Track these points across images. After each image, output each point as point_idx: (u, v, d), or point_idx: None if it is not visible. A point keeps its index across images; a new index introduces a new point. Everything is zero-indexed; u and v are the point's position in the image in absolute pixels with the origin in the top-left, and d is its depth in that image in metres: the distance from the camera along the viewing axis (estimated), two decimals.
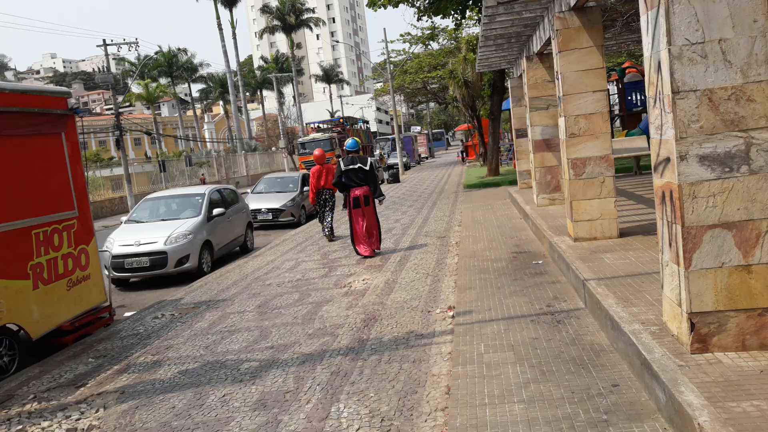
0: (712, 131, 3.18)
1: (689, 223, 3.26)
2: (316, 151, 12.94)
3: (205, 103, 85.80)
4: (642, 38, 3.64)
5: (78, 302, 7.35)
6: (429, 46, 40.74)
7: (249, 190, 19.78)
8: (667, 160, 3.39)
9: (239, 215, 13.16)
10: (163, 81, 72.12)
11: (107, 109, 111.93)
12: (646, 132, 21.58)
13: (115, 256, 10.36)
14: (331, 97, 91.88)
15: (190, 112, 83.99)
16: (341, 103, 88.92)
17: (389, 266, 8.99)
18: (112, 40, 34.09)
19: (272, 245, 13.16)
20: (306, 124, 52.70)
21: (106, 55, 34.02)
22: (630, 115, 25.01)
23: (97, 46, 33.92)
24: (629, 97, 23.84)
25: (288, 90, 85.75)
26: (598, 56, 6.73)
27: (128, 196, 33.25)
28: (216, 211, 11.73)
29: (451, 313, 6.04)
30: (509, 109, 29.83)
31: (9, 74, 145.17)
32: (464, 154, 43.86)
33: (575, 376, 3.92)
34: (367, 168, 9.94)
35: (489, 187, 20.05)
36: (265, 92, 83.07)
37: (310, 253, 11.32)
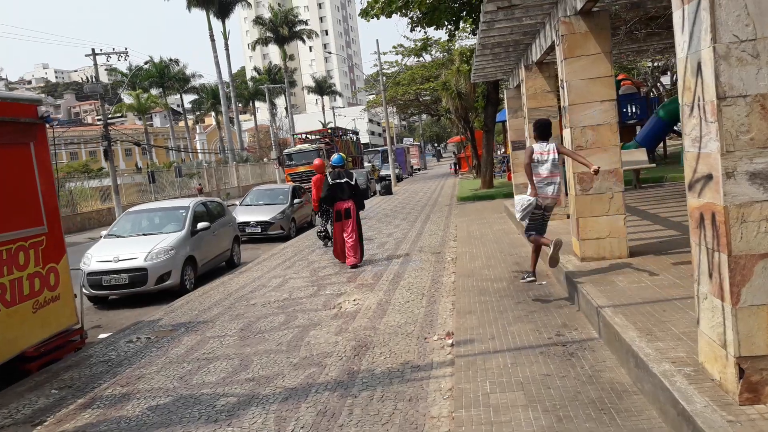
0: (765, 144, 2.72)
1: (737, 251, 2.78)
2: (316, 161, 12.79)
3: (197, 114, 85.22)
4: (675, 37, 3.18)
5: (45, 325, 6.77)
6: (422, 58, 40.54)
7: (237, 202, 19.21)
8: (709, 177, 2.92)
9: (225, 229, 12.62)
10: (154, 92, 71.66)
11: (98, 119, 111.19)
12: (642, 144, 21.33)
13: (92, 273, 9.79)
14: (323, 109, 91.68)
15: (182, 123, 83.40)
16: (333, 114, 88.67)
17: (382, 285, 8.47)
18: (101, 50, 33.57)
19: (260, 260, 12.62)
20: (293, 135, 50.98)
21: (95, 64, 33.49)
22: (624, 128, 24.76)
23: (86, 55, 33.39)
24: (624, 110, 23.57)
25: (281, 101, 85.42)
26: (606, 63, 6.29)
27: (116, 207, 32.55)
28: (200, 225, 11.19)
29: (450, 341, 5.52)
30: (503, 121, 29.58)
31: (0, 84, 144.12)
32: (457, 166, 43.54)
33: (597, 425, 3.41)
34: (353, 183, 10.43)
35: (483, 199, 19.60)
36: (257, 103, 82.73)
37: (299, 269, 10.78)
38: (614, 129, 6.32)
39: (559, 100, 8.17)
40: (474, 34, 21.70)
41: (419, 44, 19.70)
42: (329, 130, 42.89)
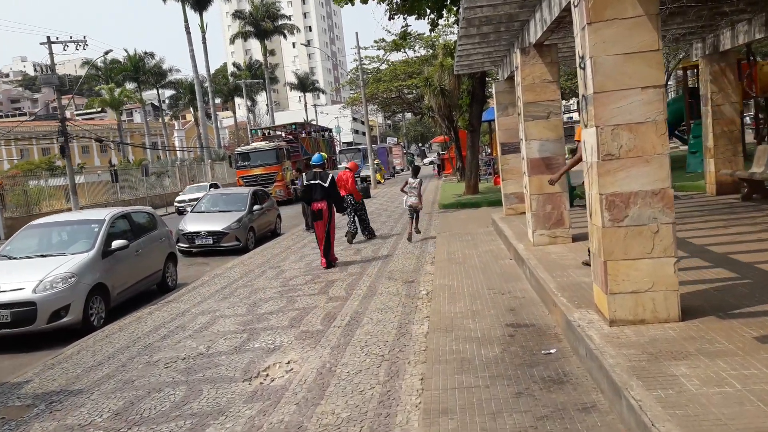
0: None
1: None
2: (350, 164, 13.36)
3: (174, 110, 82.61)
4: None
5: None
6: (403, 51, 38.42)
7: (189, 209, 16.95)
8: None
9: (156, 245, 10.43)
10: (130, 86, 68.96)
11: (77, 114, 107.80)
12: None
13: None
14: (305, 106, 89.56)
15: (167, 119, 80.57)
16: (315, 111, 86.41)
17: (332, 333, 6.33)
18: (57, 38, 31.01)
19: (197, 283, 10.43)
20: (251, 130, 45.86)
21: (51, 53, 30.91)
22: None
23: (41, 43, 30.82)
24: None
25: (262, 98, 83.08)
26: (651, 31, 4.22)
27: (73, 208, 30.07)
28: (117, 243, 8.99)
29: None
30: (490, 120, 27.52)
31: None
32: (440, 167, 41.44)
33: None
34: (326, 185, 10.37)
35: (467, 207, 17.55)
36: (238, 100, 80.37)
37: (238, 300, 8.62)
38: (661, 129, 4.24)
39: (572, 90, 6.08)
40: (457, 23, 19.62)
41: (399, 35, 17.54)
42: (294, 126, 38.34)
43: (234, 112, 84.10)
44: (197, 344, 6.60)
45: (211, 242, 14.59)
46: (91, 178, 50.44)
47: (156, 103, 78.02)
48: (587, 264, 6.12)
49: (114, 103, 65.60)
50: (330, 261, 10.41)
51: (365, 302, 7.56)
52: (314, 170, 10.57)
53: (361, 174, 39.21)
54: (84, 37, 30.80)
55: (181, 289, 10.25)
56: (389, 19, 19.73)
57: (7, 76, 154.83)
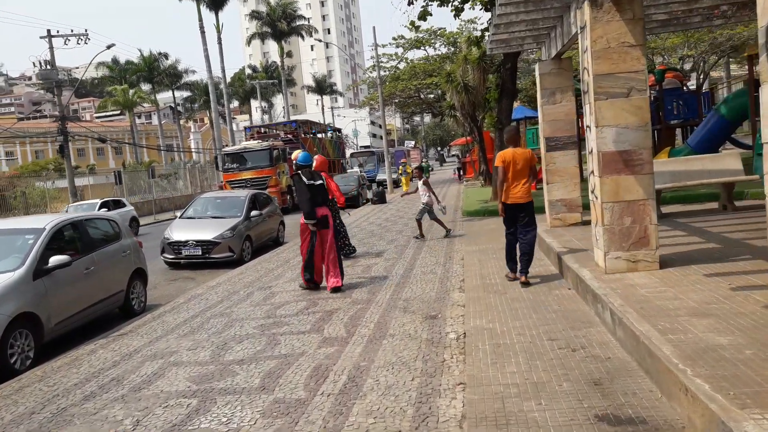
0: None
1: None
2: (317, 157, 10.59)
3: (189, 111, 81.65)
4: None
5: None
6: (423, 48, 36.33)
7: (177, 214, 14.96)
8: None
9: (117, 261, 8.45)
10: (145, 87, 67.92)
11: (97, 117, 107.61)
12: (696, 150, 17.03)
13: None
14: (323, 109, 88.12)
15: (182, 122, 79.47)
16: (333, 114, 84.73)
17: (316, 410, 4.21)
18: (58, 31, 29.44)
19: (167, 308, 8.41)
20: (245, 128, 41.12)
21: (51, 47, 29.33)
22: (667, 129, 20.47)
23: (41, 37, 29.27)
24: (669, 107, 19.31)
25: (279, 100, 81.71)
26: None
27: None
28: (56, 259, 7.02)
29: None
30: (520, 119, 25.28)
31: (0, 80, 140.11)
32: (461, 171, 39.18)
33: None
34: (325, 186, 8.81)
35: (495, 215, 15.25)
36: (255, 102, 79.17)
37: (205, 337, 6.55)
38: None
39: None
40: (488, 10, 17.49)
41: (418, 15, 15.39)
42: (295, 124, 34.07)
43: (250, 115, 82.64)
44: (123, 415, 4.52)
45: (200, 253, 12.60)
46: (100, 179, 49.07)
47: (172, 106, 76.87)
48: None
49: (127, 104, 64.51)
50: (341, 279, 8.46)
51: (371, 350, 5.42)
52: (307, 170, 8.68)
53: (376, 178, 37.03)
54: (86, 30, 29.13)
55: (147, 314, 8.21)
56: (408, 3, 17.68)
57: (30, 78, 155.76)
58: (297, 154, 8.97)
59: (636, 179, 5.63)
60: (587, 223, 9.50)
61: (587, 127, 6.05)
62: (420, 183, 12.90)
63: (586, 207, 9.81)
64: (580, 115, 12.38)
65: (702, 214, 9.73)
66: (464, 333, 5.45)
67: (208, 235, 12.70)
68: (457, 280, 8.04)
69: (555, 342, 4.73)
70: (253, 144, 27.70)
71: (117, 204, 24.41)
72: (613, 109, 5.63)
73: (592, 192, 6.05)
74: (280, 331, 6.44)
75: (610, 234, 5.71)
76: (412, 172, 25.47)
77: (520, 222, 6.95)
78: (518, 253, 7.07)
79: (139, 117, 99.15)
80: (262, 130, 33.89)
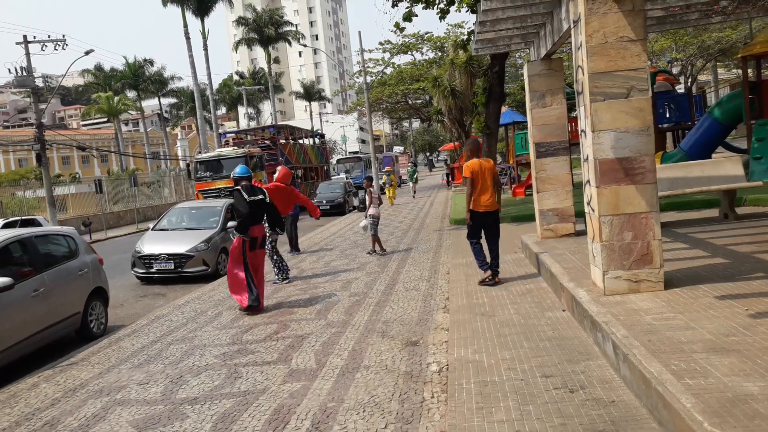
0: None
1: None
2: (280, 168, 10.61)
3: (175, 118, 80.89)
4: None
5: None
6: (410, 53, 35.88)
7: (150, 226, 14.26)
8: None
9: (73, 280, 7.77)
10: (130, 94, 67.04)
11: (84, 125, 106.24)
12: (689, 154, 16.53)
13: None
14: (311, 115, 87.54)
15: (169, 129, 78.41)
16: (321, 121, 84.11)
17: None
18: (35, 37, 28.63)
19: (128, 330, 7.72)
20: (218, 133, 39.11)
21: (27, 53, 28.52)
22: (659, 133, 19.97)
23: (17, 43, 28.46)
24: (660, 110, 18.84)
25: (267, 107, 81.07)
26: None
27: (50, 221, 27.54)
28: None
29: None
30: (506, 125, 24.76)
31: None
32: (449, 177, 38.60)
33: None
34: (268, 201, 8.25)
35: None
36: (242, 109, 78.50)
37: (160, 368, 5.88)
38: None
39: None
40: (473, 12, 16.95)
41: (403, 16, 14.83)
42: (272, 129, 32.28)
43: (237, 122, 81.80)
44: None
45: (173, 267, 11.91)
46: (82, 188, 48.10)
47: (159, 113, 76.01)
48: None
49: (112, 111, 63.59)
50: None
51: (341, 385, 4.77)
52: (246, 183, 8.11)
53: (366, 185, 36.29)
54: (63, 36, 28.32)
55: (104, 339, 7.51)
56: (393, 5, 17.10)
57: (15, 86, 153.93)
58: (236, 168, 8.49)
59: (637, 189, 5.03)
60: (581, 233, 8.91)
61: (581, 131, 5.45)
62: (366, 194, 12.46)
63: (579, 215, 9.23)
64: (570, 119, 11.86)
65: (701, 224, 9.15)
66: (447, 365, 4.82)
67: (181, 248, 12.01)
68: (441, 298, 7.41)
69: (550, 380, 4.10)
70: (227, 151, 26.17)
71: (28, 224, 16.86)
72: (611, 111, 5.03)
73: (588, 204, 5.44)
74: (244, 361, 5.77)
75: (609, 251, 5.10)
76: (386, 179, 24.57)
77: (488, 230, 7.44)
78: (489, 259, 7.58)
79: (126, 124, 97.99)
80: (239, 136, 32.40)
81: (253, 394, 4.84)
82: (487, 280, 7.54)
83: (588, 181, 5.37)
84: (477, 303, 6.69)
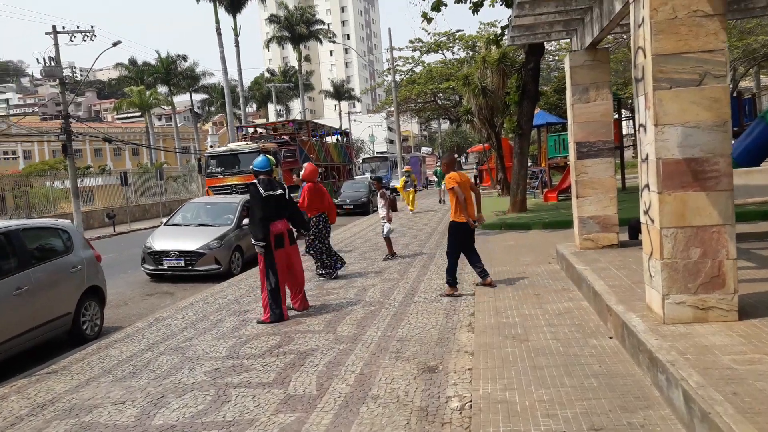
0: None
1: None
2: (306, 165, 9.84)
3: (206, 114, 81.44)
4: None
5: None
6: (440, 52, 34.99)
7: (163, 221, 13.70)
8: None
9: (65, 277, 7.17)
10: (162, 89, 67.66)
11: (118, 118, 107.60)
12: (740, 162, 15.34)
13: None
14: (340, 114, 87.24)
15: (200, 124, 78.95)
16: (349, 120, 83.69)
17: None
18: (64, 27, 28.54)
19: (120, 335, 7.07)
20: (237, 127, 36.82)
21: (56, 44, 28.46)
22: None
23: (47, 33, 28.40)
24: None
25: (297, 105, 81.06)
26: None
27: (74, 212, 27.48)
28: None
29: None
30: (539, 126, 23.72)
31: (25, 80, 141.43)
32: (477, 179, 37.56)
33: None
34: (288, 197, 7.62)
35: (514, 229, 13.84)
36: (272, 107, 78.69)
37: (143, 384, 5.19)
38: None
39: None
40: (509, 6, 16.03)
41: (432, 5, 13.95)
42: (291, 123, 30.64)
43: (267, 119, 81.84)
44: None
45: (183, 265, 11.30)
46: (110, 180, 48.29)
47: (191, 108, 76.54)
48: None
49: (143, 105, 64.18)
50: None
51: (342, 422, 3.99)
52: (264, 177, 7.36)
53: (390, 185, 35.53)
54: (92, 27, 28.14)
55: (94, 344, 6.87)
56: None
57: (55, 80, 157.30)
58: (257, 159, 7.62)
59: (709, 197, 4.14)
60: (625, 245, 7.98)
61: (640, 126, 4.57)
62: (378, 196, 11.88)
63: (622, 224, 8.31)
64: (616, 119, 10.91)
65: (763, 238, 8.13)
66: (470, 402, 3.99)
67: (192, 245, 11.41)
68: (466, 313, 6.57)
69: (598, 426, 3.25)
70: (240, 145, 24.64)
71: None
72: (680, 101, 4.16)
73: (646, 213, 4.55)
74: (236, 380, 5.03)
75: (672, 270, 4.22)
76: (406, 181, 23.22)
77: (469, 241, 7.59)
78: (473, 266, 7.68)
79: (159, 119, 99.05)
80: (258, 129, 30.98)
81: (239, 425, 4.09)
82: (454, 292, 7.48)
83: (647, 186, 4.48)
84: (507, 323, 5.83)
